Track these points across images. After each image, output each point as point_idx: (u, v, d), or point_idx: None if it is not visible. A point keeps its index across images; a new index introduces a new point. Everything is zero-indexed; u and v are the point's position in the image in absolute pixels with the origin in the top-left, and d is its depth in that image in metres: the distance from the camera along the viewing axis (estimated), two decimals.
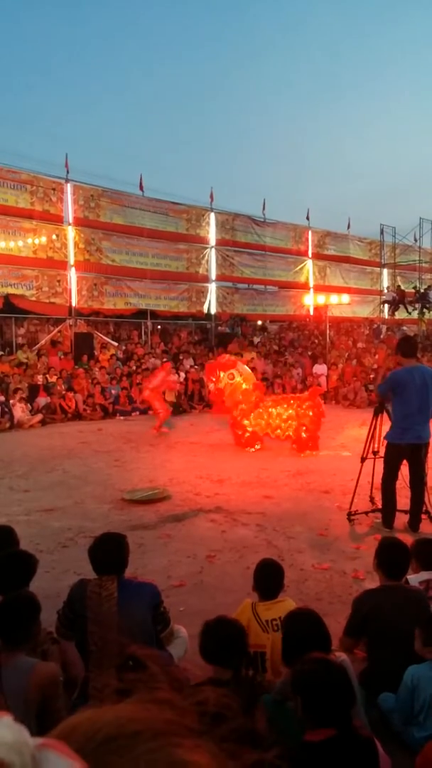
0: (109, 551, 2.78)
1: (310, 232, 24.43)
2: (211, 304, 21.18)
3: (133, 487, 7.09)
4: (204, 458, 8.87)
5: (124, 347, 18.30)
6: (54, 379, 13.92)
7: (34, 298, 16.53)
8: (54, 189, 16.90)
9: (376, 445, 5.76)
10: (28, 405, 12.54)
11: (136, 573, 4.00)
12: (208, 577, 4.45)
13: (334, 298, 20.18)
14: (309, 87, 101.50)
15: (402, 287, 24.77)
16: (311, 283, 24.42)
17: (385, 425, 5.63)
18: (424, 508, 5.47)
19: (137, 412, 13.79)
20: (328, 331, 19.72)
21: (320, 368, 16.87)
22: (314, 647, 2.21)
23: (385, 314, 25.52)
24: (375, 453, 5.76)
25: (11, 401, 12.17)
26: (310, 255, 24.50)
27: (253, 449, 9.33)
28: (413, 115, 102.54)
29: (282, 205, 34.89)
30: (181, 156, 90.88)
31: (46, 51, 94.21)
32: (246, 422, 9.31)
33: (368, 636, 2.90)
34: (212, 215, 20.91)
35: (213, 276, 21.15)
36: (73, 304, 17.38)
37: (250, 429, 9.33)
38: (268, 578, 3.10)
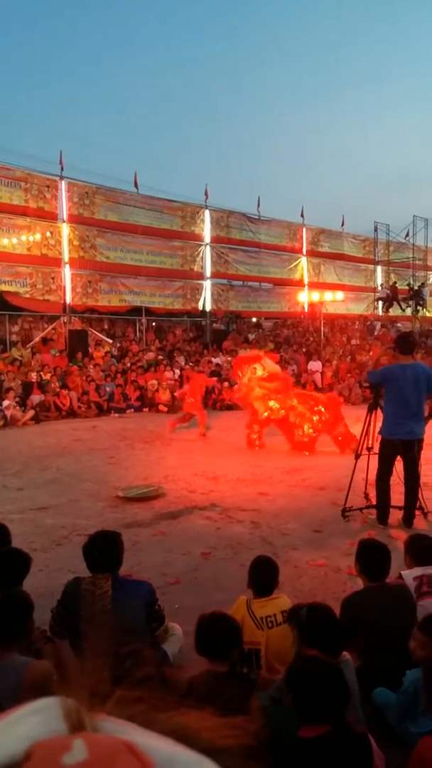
0: (104, 549, 2.77)
1: (304, 230, 24.44)
2: (205, 301, 21.17)
3: (128, 484, 7.08)
4: (199, 455, 8.85)
5: (118, 344, 18.26)
6: (48, 376, 13.87)
7: (28, 296, 16.47)
8: (48, 186, 16.84)
9: (370, 442, 5.77)
10: (20, 408, 12.32)
11: (131, 571, 4.00)
12: (202, 575, 4.45)
13: (328, 295, 20.24)
14: (305, 85, 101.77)
15: (396, 284, 24.84)
16: (306, 280, 24.45)
17: (380, 422, 5.64)
18: (417, 504, 5.51)
19: (132, 410, 13.77)
20: (322, 328, 19.75)
21: (315, 365, 16.94)
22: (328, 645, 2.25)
23: (380, 311, 25.58)
24: (369, 449, 5.77)
25: (4, 401, 12.07)
26: (304, 252, 24.51)
27: (307, 453, 8.79)
28: (408, 113, 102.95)
29: (277, 202, 34.98)
30: (176, 153, 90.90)
31: (41, 48, 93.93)
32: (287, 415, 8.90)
33: (360, 635, 2.91)
34: (207, 212, 20.87)
35: (208, 273, 21.14)
36: (68, 301, 17.33)
37: (309, 432, 8.87)
38: (263, 575, 3.10)
